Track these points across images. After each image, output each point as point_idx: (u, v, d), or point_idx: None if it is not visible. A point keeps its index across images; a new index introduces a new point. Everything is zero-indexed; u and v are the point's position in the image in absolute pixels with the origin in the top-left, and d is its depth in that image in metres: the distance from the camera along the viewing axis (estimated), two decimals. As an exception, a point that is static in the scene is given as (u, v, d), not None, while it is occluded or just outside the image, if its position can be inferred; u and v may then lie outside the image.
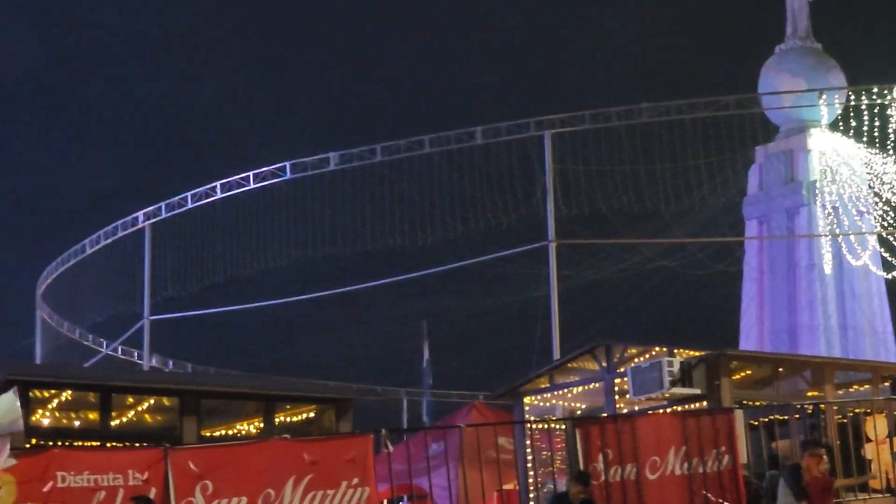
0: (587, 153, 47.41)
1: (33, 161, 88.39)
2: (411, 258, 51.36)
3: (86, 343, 57.38)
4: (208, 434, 26.75)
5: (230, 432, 27.63)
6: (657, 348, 29.32)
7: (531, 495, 31.24)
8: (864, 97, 50.51)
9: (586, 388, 31.67)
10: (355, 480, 20.27)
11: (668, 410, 27.01)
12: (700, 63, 79.17)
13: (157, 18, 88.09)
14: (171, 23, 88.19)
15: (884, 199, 53.54)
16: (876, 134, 51.29)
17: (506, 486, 33.47)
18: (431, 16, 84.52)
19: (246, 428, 28.02)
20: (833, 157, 55.61)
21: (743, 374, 30.75)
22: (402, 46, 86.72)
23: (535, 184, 46.98)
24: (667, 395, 28.05)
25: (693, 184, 48.51)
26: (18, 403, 11.86)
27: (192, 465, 18.94)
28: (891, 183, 53.40)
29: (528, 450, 30.71)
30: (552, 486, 26.26)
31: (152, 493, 18.06)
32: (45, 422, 24.97)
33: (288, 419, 28.58)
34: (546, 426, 29.59)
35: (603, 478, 21.64)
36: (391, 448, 22.45)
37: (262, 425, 27.61)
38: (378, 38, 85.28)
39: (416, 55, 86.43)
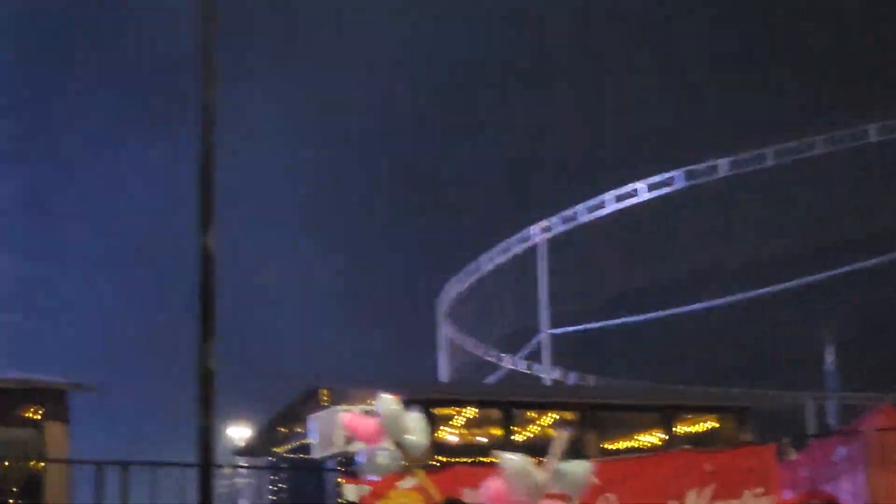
0: None
1: (427, 174, 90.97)
2: (808, 261, 50.32)
3: (489, 359, 58.52)
4: (610, 447, 26.91)
5: (631, 444, 27.72)
6: None
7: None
8: None
9: None
10: (758, 490, 20.06)
11: None
12: None
13: (545, 26, 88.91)
14: (564, 32, 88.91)
15: None
16: None
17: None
18: (817, 11, 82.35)
19: (646, 440, 28.05)
20: None
21: None
22: (780, 45, 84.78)
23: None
24: None
25: None
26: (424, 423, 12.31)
27: (593, 479, 19.15)
28: None
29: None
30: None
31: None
32: (451, 439, 25.69)
33: (688, 429, 28.45)
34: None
35: None
36: (794, 455, 22.10)
37: (662, 437, 27.58)
38: (753, 38, 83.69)
39: (798, 55, 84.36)
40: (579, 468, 11.28)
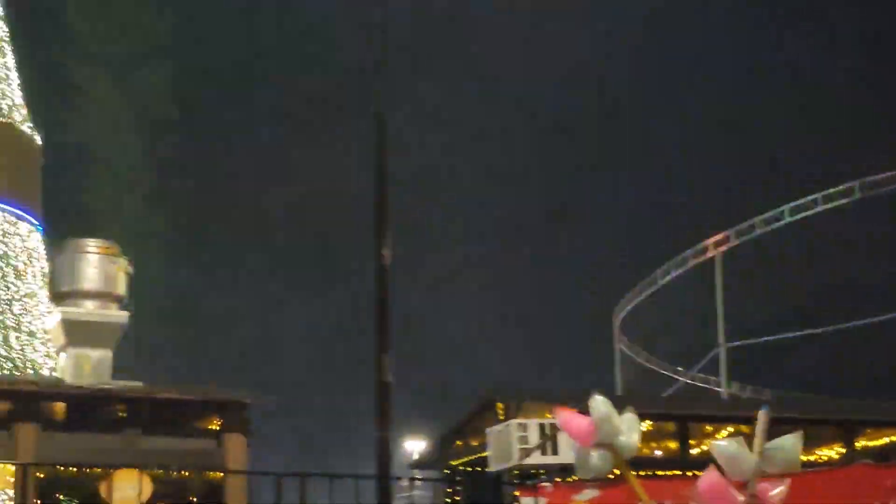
0: None
1: (603, 190, 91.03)
2: None
3: (663, 372, 58.10)
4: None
5: (809, 459, 27.36)
6: None
7: None
8: None
9: None
10: (943, 505, 19.58)
11: None
12: None
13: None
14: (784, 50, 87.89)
15: None
16: None
17: None
18: None
19: (825, 454, 27.66)
20: None
21: None
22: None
23: None
24: None
25: None
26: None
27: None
28: None
29: None
30: None
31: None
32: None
33: (869, 444, 27.99)
34: None
35: None
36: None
37: (841, 451, 27.17)
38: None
39: None
40: (789, 443, 11.14)
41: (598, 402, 11.47)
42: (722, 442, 10.51)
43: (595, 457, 10.79)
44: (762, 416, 11.03)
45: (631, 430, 11.38)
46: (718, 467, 10.57)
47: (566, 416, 11.39)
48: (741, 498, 10.55)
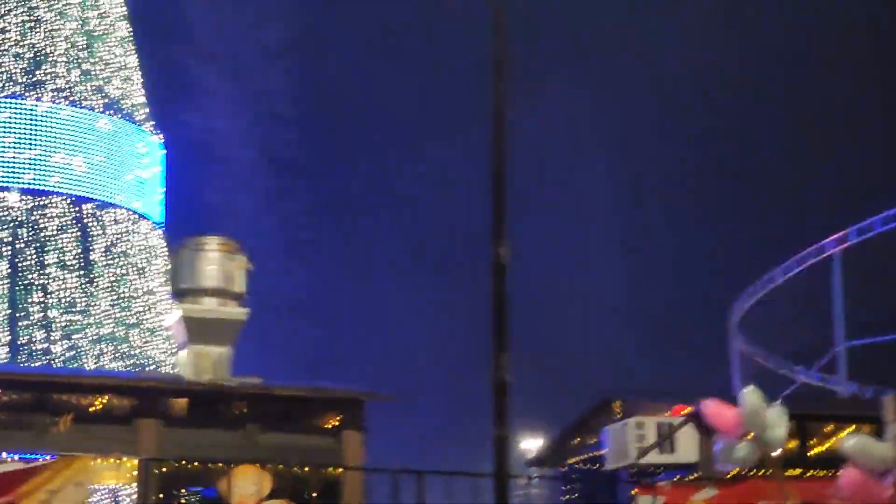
0: None
1: (727, 191, 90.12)
2: None
3: (782, 372, 57.43)
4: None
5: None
6: None
7: None
8: None
9: None
10: None
11: None
12: None
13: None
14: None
15: None
16: None
17: None
18: None
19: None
20: None
21: None
22: None
23: None
24: None
25: None
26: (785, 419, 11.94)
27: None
28: None
29: None
30: None
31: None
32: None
33: None
34: None
35: None
36: None
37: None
38: None
39: None
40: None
41: (749, 395, 11.46)
42: (851, 438, 10.45)
43: (741, 448, 10.77)
44: (890, 400, 10.92)
45: (779, 423, 11.32)
46: (851, 465, 10.40)
47: (714, 407, 11.37)
48: (888, 491, 10.36)
